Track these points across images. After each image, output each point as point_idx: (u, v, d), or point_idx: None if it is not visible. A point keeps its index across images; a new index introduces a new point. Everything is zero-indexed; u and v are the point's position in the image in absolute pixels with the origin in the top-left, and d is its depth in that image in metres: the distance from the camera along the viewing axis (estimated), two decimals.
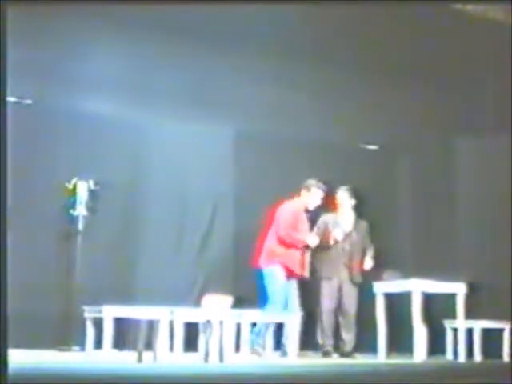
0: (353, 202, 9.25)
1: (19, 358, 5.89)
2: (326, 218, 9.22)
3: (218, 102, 9.42)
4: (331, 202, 9.21)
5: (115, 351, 7.36)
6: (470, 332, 8.82)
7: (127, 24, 8.76)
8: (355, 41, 9.63)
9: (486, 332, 8.84)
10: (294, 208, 8.91)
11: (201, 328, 7.52)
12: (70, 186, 8.39)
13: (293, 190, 9.54)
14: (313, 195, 8.92)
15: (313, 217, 9.18)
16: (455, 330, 8.90)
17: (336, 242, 9.04)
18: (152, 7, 8.39)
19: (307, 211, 9.02)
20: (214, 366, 7.14)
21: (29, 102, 8.54)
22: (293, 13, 8.95)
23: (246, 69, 9.58)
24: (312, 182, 8.93)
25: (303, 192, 8.95)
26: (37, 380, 4.57)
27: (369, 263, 9.08)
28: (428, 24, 9.42)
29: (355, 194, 9.24)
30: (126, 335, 7.85)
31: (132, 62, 9.06)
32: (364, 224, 9.32)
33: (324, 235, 9.05)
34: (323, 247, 9.02)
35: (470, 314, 8.82)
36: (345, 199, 9.23)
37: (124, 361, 7.15)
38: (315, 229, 9.12)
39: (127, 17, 8.62)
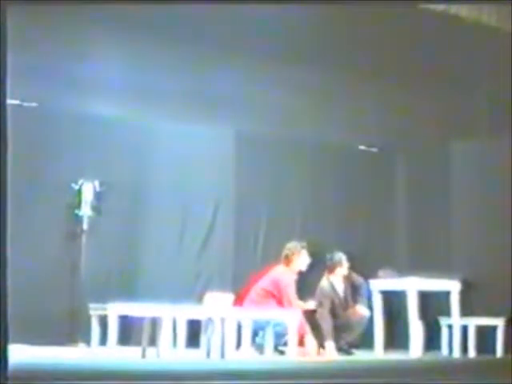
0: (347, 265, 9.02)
1: (24, 354, 6.02)
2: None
3: (219, 104, 9.47)
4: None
5: (120, 347, 7.48)
6: (464, 329, 8.92)
7: (129, 25, 8.76)
8: (355, 42, 9.56)
9: (480, 329, 8.94)
10: (294, 277, 8.83)
11: (203, 325, 7.63)
12: (76, 187, 8.51)
13: (292, 192, 9.71)
14: (302, 256, 8.87)
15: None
16: (450, 327, 8.99)
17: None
18: (153, 8, 8.35)
19: (301, 273, 8.91)
20: (215, 362, 7.23)
21: (34, 104, 8.62)
22: (293, 13, 8.88)
23: (246, 69, 9.61)
24: (296, 245, 8.86)
25: (294, 257, 8.83)
26: (43, 375, 4.72)
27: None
28: (427, 26, 9.33)
29: (350, 257, 9.02)
30: (130, 332, 7.96)
31: (136, 64, 9.09)
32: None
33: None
34: None
35: (465, 311, 8.92)
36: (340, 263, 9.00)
37: (128, 357, 7.25)
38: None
39: (129, 18, 8.61)
